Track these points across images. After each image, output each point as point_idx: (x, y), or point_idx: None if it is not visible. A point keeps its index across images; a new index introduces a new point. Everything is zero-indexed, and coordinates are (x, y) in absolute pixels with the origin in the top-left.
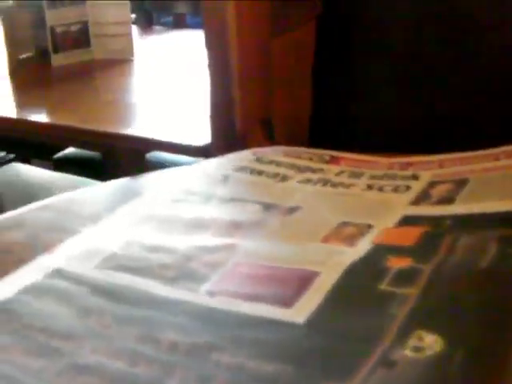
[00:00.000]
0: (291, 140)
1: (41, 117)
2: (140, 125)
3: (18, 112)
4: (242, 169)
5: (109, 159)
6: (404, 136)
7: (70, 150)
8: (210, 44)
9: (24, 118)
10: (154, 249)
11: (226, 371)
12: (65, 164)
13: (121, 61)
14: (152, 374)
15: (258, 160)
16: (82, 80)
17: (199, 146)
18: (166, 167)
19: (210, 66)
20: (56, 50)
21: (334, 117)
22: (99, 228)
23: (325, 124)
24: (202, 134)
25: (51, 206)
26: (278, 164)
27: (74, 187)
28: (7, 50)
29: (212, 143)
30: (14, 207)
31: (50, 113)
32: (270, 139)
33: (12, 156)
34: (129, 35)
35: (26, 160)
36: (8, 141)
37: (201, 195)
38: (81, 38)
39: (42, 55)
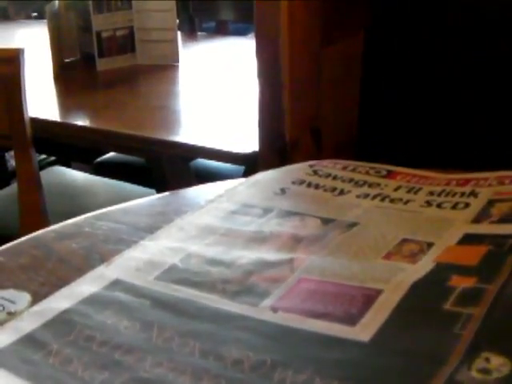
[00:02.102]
0: (338, 149)
1: (84, 121)
2: (185, 131)
3: (61, 115)
4: (299, 182)
5: (152, 165)
6: (453, 150)
7: (111, 155)
8: (261, 52)
9: (67, 121)
10: (215, 262)
11: None
12: (105, 168)
13: (165, 66)
14: None
15: (315, 173)
16: (127, 85)
17: (246, 154)
18: (210, 175)
19: (260, 74)
20: (101, 55)
21: (381, 128)
22: (157, 240)
23: (371, 135)
24: (248, 142)
25: (107, 216)
26: (335, 177)
27: (115, 191)
28: (52, 53)
29: (259, 151)
30: (55, 210)
31: (94, 117)
32: (318, 149)
33: (53, 159)
34: (174, 41)
35: (66, 163)
36: (49, 144)
37: (259, 208)
38: (126, 43)
39: (87, 59)
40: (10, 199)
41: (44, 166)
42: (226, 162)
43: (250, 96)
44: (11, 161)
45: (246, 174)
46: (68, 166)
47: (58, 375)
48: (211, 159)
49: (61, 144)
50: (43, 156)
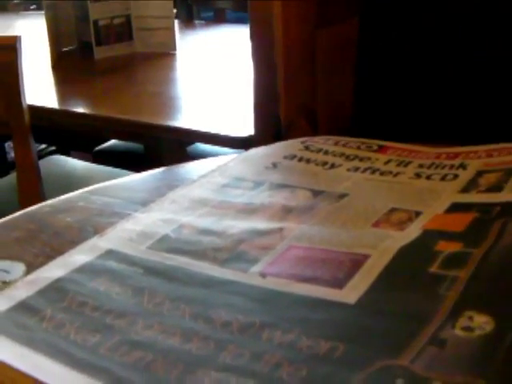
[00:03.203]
0: (333, 131)
1: (83, 108)
2: (182, 117)
3: (60, 103)
4: (290, 157)
5: (150, 152)
6: (444, 126)
7: (110, 143)
8: (255, 35)
9: (66, 108)
10: (207, 232)
11: (278, 348)
12: (105, 156)
13: (163, 54)
14: (205, 351)
15: (307, 148)
16: (125, 73)
17: (242, 138)
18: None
19: (254, 57)
20: (99, 43)
21: (376, 110)
22: (150, 212)
23: (366, 116)
24: (244, 126)
25: (101, 192)
26: (326, 152)
27: (114, 179)
28: (50, 43)
29: (255, 135)
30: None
31: (93, 104)
32: (313, 131)
33: (52, 148)
34: (171, 29)
35: (65, 153)
36: (48, 133)
37: (251, 181)
38: (123, 31)
39: (85, 48)
40: (9, 188)
41: (44, 155)
42: (223, 145)
43: (247, 82)
44: (11, 152)
45: None
46: (68, 155)
47: (51, 339)
48: (209, 143)
49: (60, 133)
50: (43, 146)
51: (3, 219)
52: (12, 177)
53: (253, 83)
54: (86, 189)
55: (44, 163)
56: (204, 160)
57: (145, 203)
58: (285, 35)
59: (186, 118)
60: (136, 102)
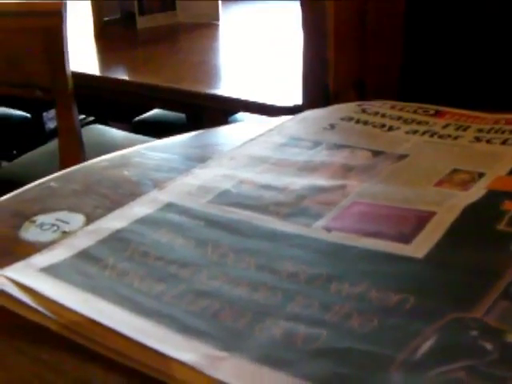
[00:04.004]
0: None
1: (125, 76)
2: (226, 86)
3: (102, 71)
4: (347, 118)
5: (192, 121)
6: (488, 93)
7: (150, 114)
8: (306, 4)
9: (109, 76)
10: (267, 188)
11: (347, 300)
12: (145, 127)
13: (206, 25)
14: (273, 300)
15: (364, 111)
16: (167, 42)
17: (288, 108)
18: None
19: (304, 26)
20: (142, 13)
21: (423, 80)
22: (208, 168)
23: (414, 87)
24: (289, 96)
25: (157, 148)
26: (383, 115)
27: None
28: (93, 12)
29: (303, 104)
30: None
31: (135, 73)
32: (362, 99)
33: (91, 119)
34: None
35: (103, 124)
36: (87, 104)
37: (309, 141)
38: (166, 1)
39: (127, 18)
40: (48, 157)
41: (83, 126)
42: (268, 115)
43: (291, 54)
44: (48, 123)
45: None
46: (106, 125)
47: (115, 286)
48: (254, 113)
49: (98, 104)
50: (82, 116)
51: (60, 172)
52: (50, 146)
53: (302, 52)
54: (142, 145)
55: (84, 132)
56: (261, 119)
57: (200, 159)
58: (335, 4)
59: (230, 87)
60: (179, 71)
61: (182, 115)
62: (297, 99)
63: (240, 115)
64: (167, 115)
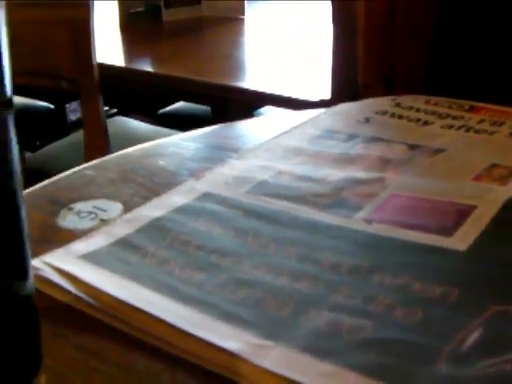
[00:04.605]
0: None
1: (151, 68)
2: (252, 80)
3: (127, 62)
4: (382, 112)
5: (217, 114)
6: None
7: (174, 106)
8: (337, 1)
9: (133, 67)
10: (305, 179)
11: (390, 291)
12: (169, 119)
13: (230, 19)
14: (316, 290)
15: (398, 105)
16: (193, 35)
17: (314, 102)
18: None
19: (335, 22)
20: (167, 6)
21: (451, 77)
22: (244, 159)
23: (442, 85)
24: (315, 90)
25: (191, 138)
26: (418, 110)
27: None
28: (119, 3)
29: (332, 99)
30: None
31: (160, 65)
32: (390, 93)
33: (114, 111)
34: None
35: (126, 116)
36: (109, 96)
37: (344, 134)
38: None
39: (152, 11)
40: (71, 148)
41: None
42: (294, 109)
43: (315, 49)
44: (70, 114)
45: None
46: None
47: (156, 274)
48: (279, 106)
49: (121, 96)
50: (105, 108)
51: (96, 160)
52: (74, 137)
53: (332, 48)
54: (176, 136)
55: (108, 124)
56: (295, 112)
57: (234, 150)
58: (367, 4)
59: (255, 81)
60: (204, 64)
61: (206, 108)
62: (322, 94)
63: (265, 109)
64: (192, 108)
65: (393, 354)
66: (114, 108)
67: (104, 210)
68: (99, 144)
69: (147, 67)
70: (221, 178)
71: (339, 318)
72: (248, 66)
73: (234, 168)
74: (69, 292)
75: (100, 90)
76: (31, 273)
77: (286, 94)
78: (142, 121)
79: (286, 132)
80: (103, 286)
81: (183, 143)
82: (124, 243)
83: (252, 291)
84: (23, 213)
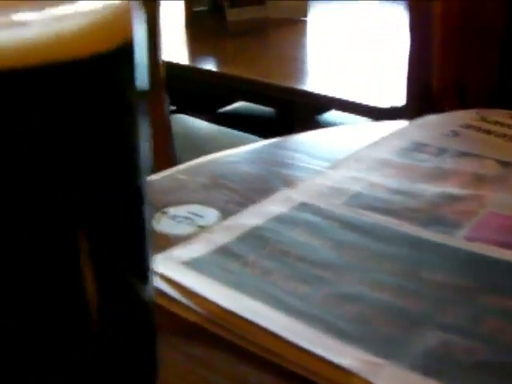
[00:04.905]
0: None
1: (215, 67)
2: (318, 83)
3: (192, 61)
4: (468, 126)
5: (281, 116)
6: None
7: (235, 106)
8: (415, 6)
9: (197, 66)
10: (399, 192)
11: (497, 313)
12: (229, 119)
13: (294, 20)
14: (423, 308)
15: (483, 119)
16: (257, 35)
17: (382, 109)
18: None
19: (411, 27)
20: (232, 5)
21: None
22: (337, 169)
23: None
24: (383, 97)
25: (281, 145)
26: (503, 125)
27: (240, 142)
28: (184, 2)
29: (406, 105)
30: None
31: (223, 64)
32: (463, 103)
33: (173, 108)
34: None
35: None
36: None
37: (433, 147)
38: None
39: (216, 10)
40: None
41: None
42: (361, 115)
43: (382, 54)
44: None
45: None
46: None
47: (259, 284)
48: (345, 111)
49: (179, 94)
50: None
51: (187, 164)
52: None
53: (408, 53)
54: (265, 141)
55: None
56: (379, 122)
57: (326, 159)
58: (443, 6)
59: (321, 84)
60: (268, 65)
61: (267, 109)
62: (393, 100)
63: (331, 114)
64: (252, 108)
65: (509, 378)
66: (173, 105)
67: (200, 216)
68: (164, 143)
69: (210, 66)
70: (316, 187)
71: (451, 339)
72: (313, 69)
73: (327, 178)
74: (174, 299)
75: (166, 88)
76: (152, 277)
77: (353, 99)
78: (200, 119)
79: (373, 143)
80: (209, 294)
81: (274, 150)
82: (225, 251)
83: (357, 306)
84: (145, 211)
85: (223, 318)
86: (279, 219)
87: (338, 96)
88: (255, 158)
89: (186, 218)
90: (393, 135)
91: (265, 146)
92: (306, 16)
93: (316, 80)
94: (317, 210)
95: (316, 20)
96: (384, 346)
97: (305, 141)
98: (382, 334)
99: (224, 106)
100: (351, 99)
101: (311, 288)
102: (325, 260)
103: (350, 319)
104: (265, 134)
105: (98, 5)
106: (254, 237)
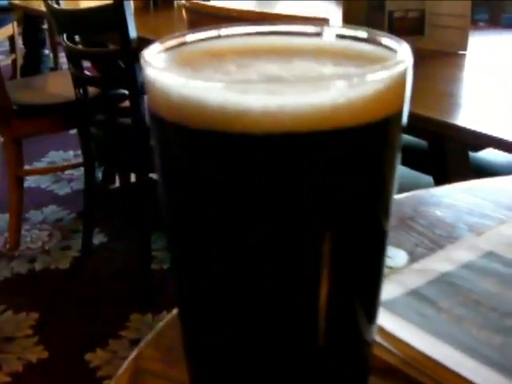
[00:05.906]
0: None
1: None
2: (472, 118)
3: None
4: None
5: (433, 150)
6: None
7: None
8: None
9: None
10: None
11: None
12: None
13: (451, 53)
14: None
15: None
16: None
17: None
18: (494, 169)
19: None
20: (390, 31)
21: None
22: None
23: None
24: None
25: (467, 190)
26: None
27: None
28: None
29: None
30: None
31: None
32: None
33: None
34: (465, 29)
35: None
36: None
37: None
38: (416, 25)
39: None
40: None
41: None
42: None
43: None
44: None
45: None
46: None
47: (453, 331)
48: (501, 150)
49: None
50: None
51: None
52: None
53: None
54: (449, 186)
55: None
56: None
57: (509, 208)
58: None
59: (474, 120)
60: (421, 97)
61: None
62: None
63: (487, 151)
64: (406, 139)
65: None
66: None
67: (390, 257)
68: None
69: None
70: (502, 237)
71: None
72: (468, 104)
73: None
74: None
75: None
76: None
77: (509, 138)
78: None
79: None
80: (409, 338)
81: (459, 195)
82: (416, 295)
83: None
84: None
85: (421, 363)
86: (469, 267)
87: (491, 133)
88: (440, 202)
89: None
90: None
91: (447, 189)
92: (465, 49)
93: (469, 115)
94: (505, 261)
95: (474, 52)
96: None
97: (490, 187)
98: None
99: None
100: (505, 137)
101: (506, 338)
102: None
103: None
104: (417, 166)
105: (385, 72)
106: (445, 283)
